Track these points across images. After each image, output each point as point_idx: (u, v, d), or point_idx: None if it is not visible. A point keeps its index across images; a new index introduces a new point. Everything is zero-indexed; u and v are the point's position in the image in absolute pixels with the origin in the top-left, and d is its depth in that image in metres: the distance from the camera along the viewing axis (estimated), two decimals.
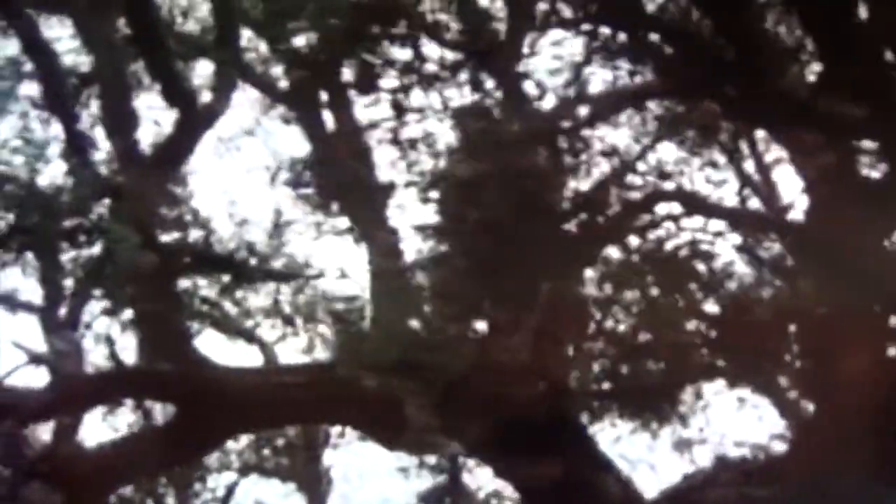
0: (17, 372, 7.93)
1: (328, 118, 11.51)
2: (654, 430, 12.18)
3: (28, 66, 12.29)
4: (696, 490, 7.87)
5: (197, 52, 9.92)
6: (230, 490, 14.22)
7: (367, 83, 7.73)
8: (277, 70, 11.62)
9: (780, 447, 12.33)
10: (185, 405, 8.02)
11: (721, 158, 10.10)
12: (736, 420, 12.88)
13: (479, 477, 14.51)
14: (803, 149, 7.64)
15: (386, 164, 11.19)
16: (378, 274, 8.44)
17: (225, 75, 9.21)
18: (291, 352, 13.66)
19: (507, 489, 14.94)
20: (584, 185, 7.91)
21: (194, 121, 8.99)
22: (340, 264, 9.66)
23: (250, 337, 13.13)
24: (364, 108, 9.30)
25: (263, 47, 11.27)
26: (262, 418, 8.48)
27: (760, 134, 10.04)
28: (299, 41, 11.22)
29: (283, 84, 11.47)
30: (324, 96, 11.37)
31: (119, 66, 9.35)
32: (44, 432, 9.12)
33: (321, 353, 13.59)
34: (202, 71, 10.42)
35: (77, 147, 8.38)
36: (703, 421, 12.95)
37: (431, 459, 14.40)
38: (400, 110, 7.72)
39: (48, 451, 7.99)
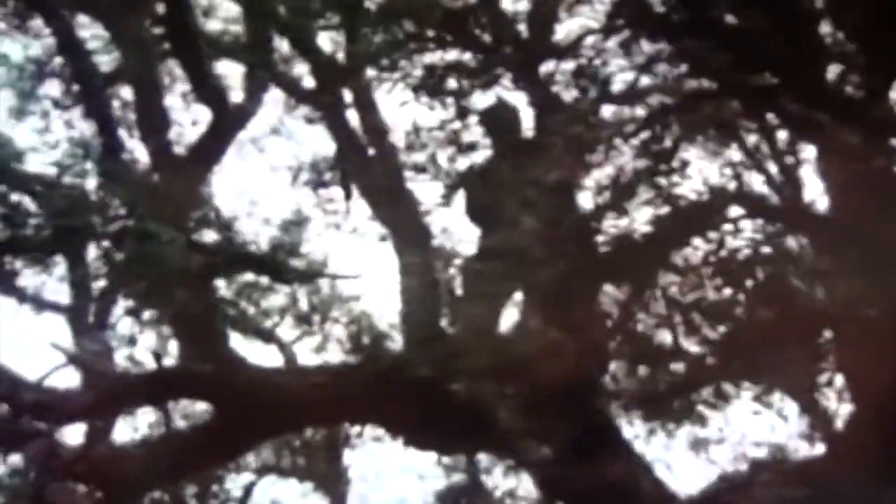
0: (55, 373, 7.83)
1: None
2: (671, 429, 12.24)
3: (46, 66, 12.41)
4: (734, 491, 7.88)
5: (225, 54, 9.94)
6: (248, 490, 14.22)
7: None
8: (300, 69, 11.71)
9: (804, 447, 12.44)
10: (223, 405, 8.00)
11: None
12: (753, 420, 12.94)
13: (495, 476, 14.57)
14: (842, 151, 7.66)
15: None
16: (464, 275, 8.47)
17: (256, 76, 9.20)
18: (305, 351, 13.76)
19: (521, 488, 15.00)
20: None
21: (227, 121, 8.98)
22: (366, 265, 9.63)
23: (269, 337, 13.19)
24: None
25: (286, 47, 11.34)
26: (298, 419, 8.50)
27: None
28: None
29: (309, 84, 11.55)
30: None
31: (151, 67, 9.34)
32: (77, 433, 9.12)
33: (335, 354, 13.67)
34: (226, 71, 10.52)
35: (113, 148, 8.37)
36: (723, 420, 13.04)
37: (447, 459, 14.45)
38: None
39: (83, 451, 7.95)
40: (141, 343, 8.40)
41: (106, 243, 7.48)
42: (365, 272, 10.40)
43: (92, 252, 8.73)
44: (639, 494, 8.53)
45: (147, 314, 8.38)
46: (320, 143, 12.65)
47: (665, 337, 11.29)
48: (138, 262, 6.67)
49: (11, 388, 7.71)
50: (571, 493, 8.52)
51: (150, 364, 8.53)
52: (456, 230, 12.39)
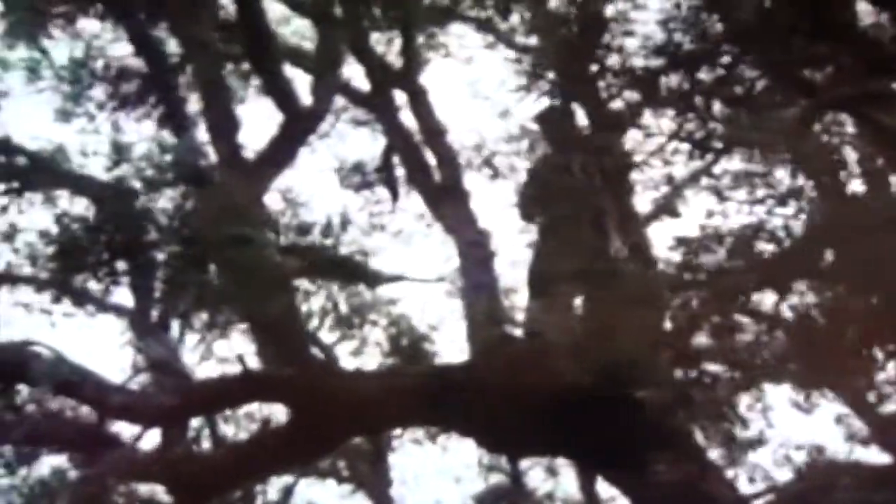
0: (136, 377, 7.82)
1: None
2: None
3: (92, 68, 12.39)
4: (815, 493, 7.92)
5: (292, 58, 9.97)
6: (287, 492, 14.23)
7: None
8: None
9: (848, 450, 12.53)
10: (303, 408, 8.00)
11: None
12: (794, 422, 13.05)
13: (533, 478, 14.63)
14: None
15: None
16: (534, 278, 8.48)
17: (325, 80, 9.20)
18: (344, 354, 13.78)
19: (560, 489, 15.07)
20: None
21: (299, 124, 8.98)
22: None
23: (311, 339, 13.19)
24: None
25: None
26: (374, 421, 8.47)
27: None
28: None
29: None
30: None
31: (219, 69, 9.35)
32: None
33: (373, 356, 13.70)
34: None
35: (191, 152, 8.37)
36: (764, 422, 13.13)
37: (487, 460, 14.51)
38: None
39: (159, 453, 7.94)
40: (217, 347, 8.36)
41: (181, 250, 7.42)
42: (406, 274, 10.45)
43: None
44: (710, 497, 8.55)
45: (224, 318, 8.36)
46: (367, 145, 12.74)
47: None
48: (236, 267, 6.64)
49: (97, 391, 7.69)
50: (643, 496, 8.54)
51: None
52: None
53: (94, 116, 12.02)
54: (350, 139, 12.42)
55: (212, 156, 8.51)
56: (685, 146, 10.79)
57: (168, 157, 7.03)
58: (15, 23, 10.93)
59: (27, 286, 10.74)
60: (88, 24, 11.90)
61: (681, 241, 9.13)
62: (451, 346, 13.34)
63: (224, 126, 9.02)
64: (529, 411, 8.32)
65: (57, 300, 10.66)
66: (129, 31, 9.34)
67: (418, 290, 12.36)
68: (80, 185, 9.96)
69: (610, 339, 8.63)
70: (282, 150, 8.92)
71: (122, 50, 12.09)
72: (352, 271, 8.29)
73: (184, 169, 6.69)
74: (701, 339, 12.32)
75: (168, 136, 9.32)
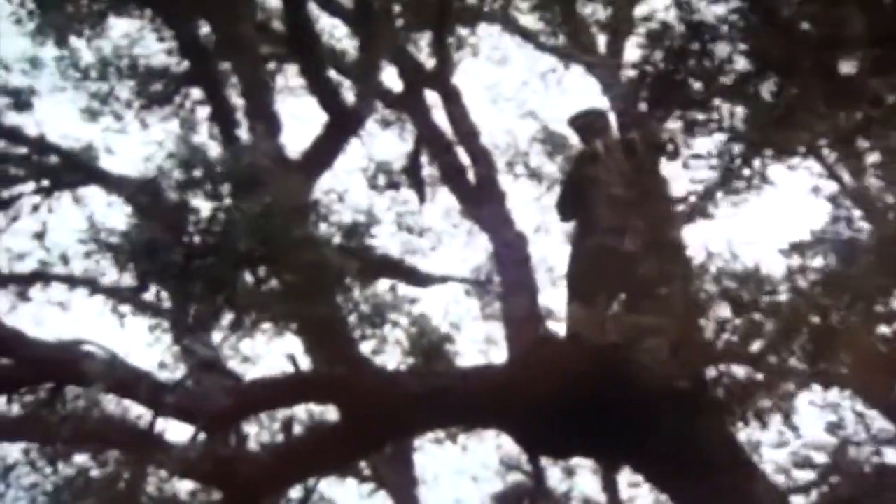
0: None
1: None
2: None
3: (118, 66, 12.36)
4: (861, 497, 7.99)
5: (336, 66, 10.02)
6: (309, 491, 14.17)
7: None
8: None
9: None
10: (351, 408, 8.03)
11: None
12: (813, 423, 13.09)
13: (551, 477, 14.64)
14: None
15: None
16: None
17: (368, 82, 9.23)
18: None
19: (576, 488, 15.10)
20: None
21: (343, 125, 9.00)
22: None
23: None
24: None
25: None
26: (419, 421, 8.51)
27: None
28: None
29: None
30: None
31: (260, 69, 9.36)
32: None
33: (392, 356, 13.68)
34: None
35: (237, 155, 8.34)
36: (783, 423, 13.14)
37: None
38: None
39: (209, 451, 7.95)
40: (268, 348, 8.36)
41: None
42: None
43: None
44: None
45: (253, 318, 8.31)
46: (395, 146, 12.76)
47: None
48: (300, 268, 6.66)
49: (152, 391, 7.70)
50: (695, 499, 8.60)
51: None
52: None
53: (121, 115, 12.02)
54: (378, 139, 12.38)
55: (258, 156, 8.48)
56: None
57: (219, 158, 6.97)
58: (45, 20, 10.88)
59: (61, 284, 10.74)
60: (118, 23, 11.89)
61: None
62: (472, 346, 13.41)
63: (268, 126, 9.03)
64: (573, 412, 8.36)
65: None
66: (174, 30, 9.28)
67: (439, 289, 12.33)
68: (116, 184, 9.93)
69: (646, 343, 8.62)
70: (325, 151, 8.93)
71: (149, 48, 12.15)
72: (405, 272, 8.30)
73: (238, 170, 6.67)
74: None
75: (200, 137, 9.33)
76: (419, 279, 8.65)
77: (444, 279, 9.94)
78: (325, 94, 8.69)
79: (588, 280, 8.92)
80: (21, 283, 10.41)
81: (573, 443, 8.82)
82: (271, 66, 11.89)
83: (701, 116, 6.74)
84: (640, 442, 8.41)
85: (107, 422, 8.36)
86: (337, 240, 7.78)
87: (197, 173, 6.35)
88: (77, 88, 12.08)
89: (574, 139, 12.03)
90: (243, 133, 9.00)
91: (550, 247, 11.95)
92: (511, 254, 9.98)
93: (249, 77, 9.14)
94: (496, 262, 9.85)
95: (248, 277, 7.40)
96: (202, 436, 7.87)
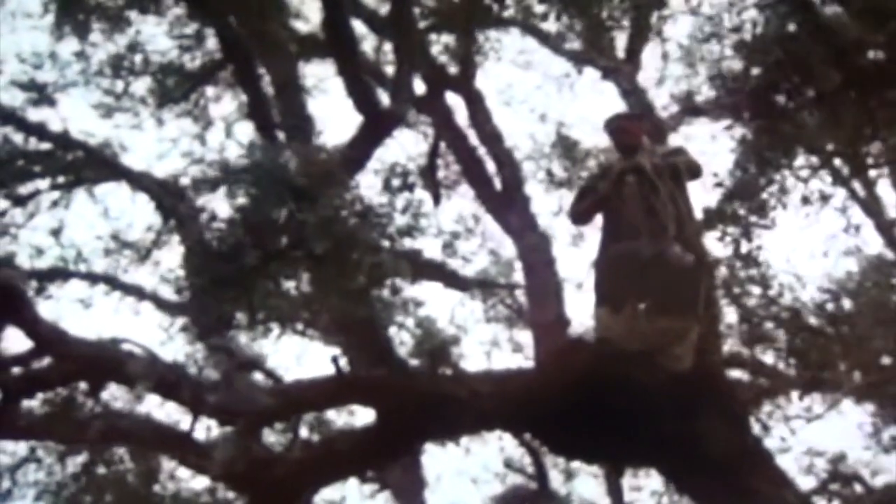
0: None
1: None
2: None
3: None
4: None
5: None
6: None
7: None
8: None
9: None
10: (389, 410, 8.03)
11: None
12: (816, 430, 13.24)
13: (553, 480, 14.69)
14: None
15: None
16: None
17: (404, 84, 9.23)
18: None
19: (575, 491, 15.16)
20: None
21: (379, 126, 9.00)
22: None
23: None
24: None
25: None
26: (458, 425, 8.52)
27: None
28: None
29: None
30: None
31: (293, 70, 9.35)
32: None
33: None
34: None
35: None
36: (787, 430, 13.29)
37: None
38: None
39: (243, 452, 7.92)
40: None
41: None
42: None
43: None
44: None
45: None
46: (410, 147, 12.75)
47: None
48: (353, 268, 6.66)
49: (195, 390, 7.65)
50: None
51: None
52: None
53: (137, 112, 11.95)
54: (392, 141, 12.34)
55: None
56: None
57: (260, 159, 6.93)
58: (63, 15, 10.79)
59: (82, 281, 10.66)
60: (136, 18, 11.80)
61: None
62: (478, 349, 13.43)
63: (301, 127, 9.01)
64: (603, 417, 8.41)
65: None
66: (215, 27, 9.24)
67: (443, 292, 12.34)
68: (140, 181, 9.88)
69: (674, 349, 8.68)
70: (360, 152, 8.92)
71: (163, 44, 12.08)
72: (447, 274, 8.31)
73: (309, 172, 6.65)
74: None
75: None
76: (460, 283, 8.64)
77: (483, 283, 9.95)
78: (362, 96, 8.66)
79: (615, 285, 8.94)
80: (41, 279, 10.30)
81: (603, 447, 8.85)
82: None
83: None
84: (669, 446, 8.45)
85: (142, 422, 8.28)
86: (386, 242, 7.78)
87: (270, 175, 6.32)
88: (88, 84, 11.94)
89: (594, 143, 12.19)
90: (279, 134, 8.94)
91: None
92: (536, 257, 10.03)
93: (283, 77, 9.11)
94: (522, 266, 9.85)
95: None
96: (235, 436, 7.82)
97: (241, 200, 6.22)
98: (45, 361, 7.67)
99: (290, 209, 6.10)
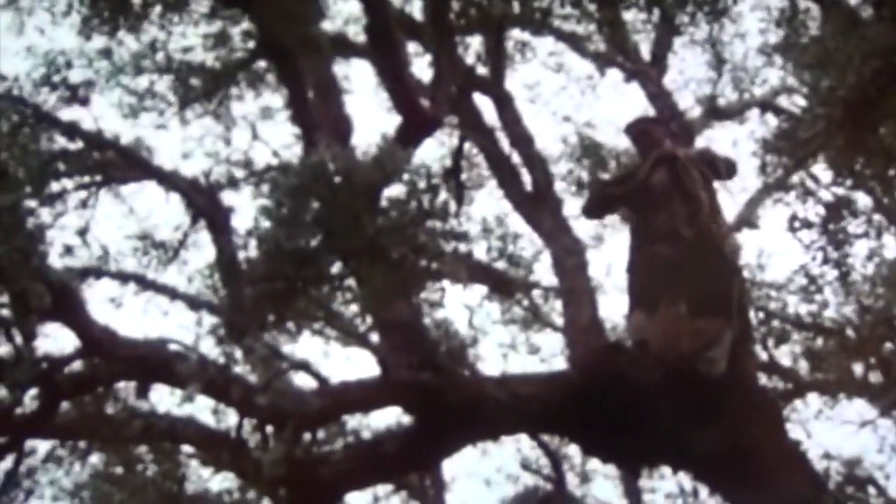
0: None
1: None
2: None
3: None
4: None
5: None
6: None
7: None
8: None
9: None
10: (434, 413, 8.04)
11: None
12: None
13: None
14: None
15: None
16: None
17: (443, 86, 9.23)
18: None
19: (590, 493, 15.20)
20: None
21: (418, 128, 9.00)
22: None
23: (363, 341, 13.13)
24: None
25: None
26: (500, 428, 8.54)
27: None
28: None
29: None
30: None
31: (329, 69, 9.34)
32: None
33: None
34: None
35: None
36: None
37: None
38: None
39: (286, 454, 7.92)
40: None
41: None
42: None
43: None
44: None
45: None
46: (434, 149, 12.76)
47: None
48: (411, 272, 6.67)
49: (244, 392, 7.65)
50: None
51: None
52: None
53: (162, 111, 11.91)
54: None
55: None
56: None
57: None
58: (92, 14, 10.74)
59: (113, 280, 10.63)
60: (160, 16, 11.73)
61: None
62: (495, 351, 13.46)
63: (340, 128, 9.01)
64: (645, 421, 8.43)
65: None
66: (258, 29, 9.22)
67: (460, 294, 12.34)
68: (172, 181, 9.87)
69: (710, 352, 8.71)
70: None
71: (184, 43, 12.04)
72: (495, 277, 8.31)
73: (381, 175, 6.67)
74: None
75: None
76: (507, 286, 8.65)
77: (529, 286, 9.97)
78: (404, 98, 8.66)
79: (649, 288, 8.96)
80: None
81: (642, 450, 8.88)
82: None
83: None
84: (706, 450, 8.49)
85: (183, 423, 8.27)
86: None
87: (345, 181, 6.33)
88: (109, 82, 11.88)
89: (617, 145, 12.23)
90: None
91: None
92: (570, 260, 10.04)
93: (322, 78, 9.10)
94: (554, 268, 9.86)
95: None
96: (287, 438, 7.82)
97: (315, 205, 6.19)
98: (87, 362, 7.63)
99: (363, 213, 6.09)
